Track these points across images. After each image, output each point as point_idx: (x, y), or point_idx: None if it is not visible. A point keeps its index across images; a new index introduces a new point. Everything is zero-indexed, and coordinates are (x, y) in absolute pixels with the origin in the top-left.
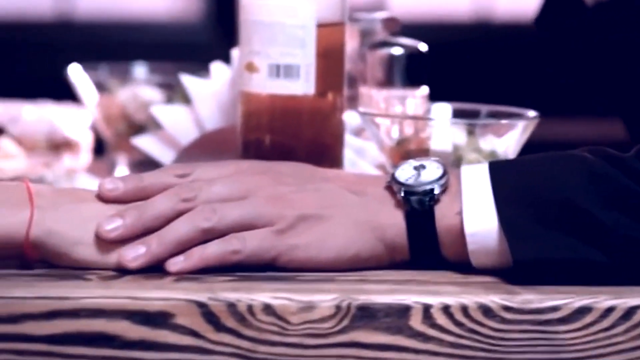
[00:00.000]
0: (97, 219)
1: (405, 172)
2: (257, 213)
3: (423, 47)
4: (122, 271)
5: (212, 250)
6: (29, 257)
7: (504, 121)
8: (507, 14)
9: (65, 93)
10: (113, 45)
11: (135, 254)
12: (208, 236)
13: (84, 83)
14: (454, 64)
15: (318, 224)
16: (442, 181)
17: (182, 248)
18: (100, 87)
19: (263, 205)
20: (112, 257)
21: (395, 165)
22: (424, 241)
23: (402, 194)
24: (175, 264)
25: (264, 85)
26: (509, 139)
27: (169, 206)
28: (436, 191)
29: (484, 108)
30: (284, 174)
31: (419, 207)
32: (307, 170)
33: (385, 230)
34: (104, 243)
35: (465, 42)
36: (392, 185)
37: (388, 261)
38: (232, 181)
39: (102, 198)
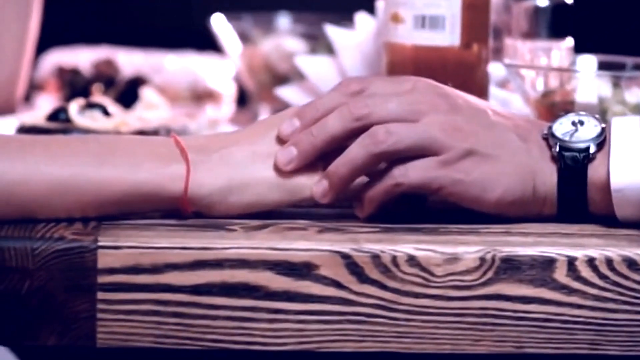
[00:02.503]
0: (252, 160)
1: (563, 127)
2: (431, 139)
3: None
4: (266, 222)
5: (377, 189)
6: (185, 211)
7: None
8: None
9: (208, 43)
10: None
11: (322, 189)
12: (382, 158)
13: (227, 33)
14: (600, 16)
15: (486, 162)
16: (599, 140)
17: (359, 175)
18: (244, 37)
19: (437, 131)
20: (274, 195)
21: (555, 118)
22: (574, 197)
23: (557, 149)
24: (360, 211)
25: (409, 36)
26: None
27: (342, 126)
28: (591, 150)
29: (630, 60)
30: (459, 101)
31: (572, 163)
32: (480, 103)
33: (540, 181)
34: (267, 183)
35: None
36: (549, 138)
37: (536, 213)
38: (408, 101)
39: (282, 141)
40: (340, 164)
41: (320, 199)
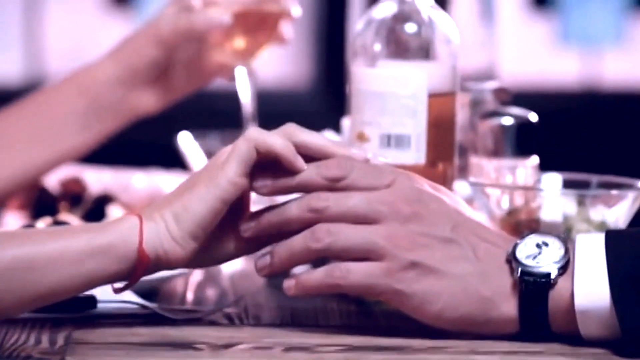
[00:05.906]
0: (186, 189)
1: (527, 248)
2: (372, 245)
3: (533, 117)
4: (232, 341)
5: (314, 280)
6: (142, 262)
7: (614, 192)
8: (615, 82)
9: (175, 161)
10: (220, 114)
11: (263, 264)
12: (320, 255)
13: (193, 151)
14: (564, 133)
15: (429, 276)
16: (561, 263)
17: (297, 264)
18: (210, 155)
19: (382, 239)
20: (207, 203)
21: (520, 238)
22: (536, 317)
23: (519, 274)
24: (289, 288)
25: (375, 154)
26: (620, 209)
27: (296, 215)
28: (553, 275)
29: (594, 178)
30: (427, 208)
31: (533, 288)
32: (450, 214)
33: (495, 303)
34: (198, 196)
35: (575, 111)
36: (511, 261)
37: (494, 330)
38: (369, 200)
39: (256, 192)
40: (282, 249)
41: (258, 272)
